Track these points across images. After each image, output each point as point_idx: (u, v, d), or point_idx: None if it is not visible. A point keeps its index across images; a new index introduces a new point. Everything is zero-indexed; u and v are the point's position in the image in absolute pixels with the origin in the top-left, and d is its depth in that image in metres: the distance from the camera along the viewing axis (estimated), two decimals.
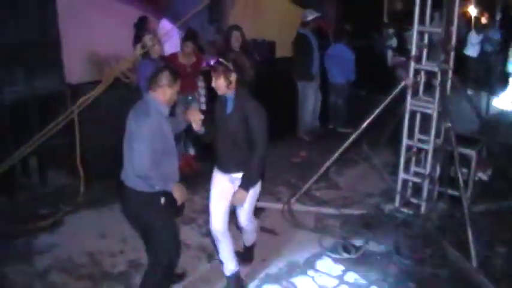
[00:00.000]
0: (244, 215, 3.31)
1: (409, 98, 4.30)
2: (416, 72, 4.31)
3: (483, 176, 4.68)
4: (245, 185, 3.07)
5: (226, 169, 3.19)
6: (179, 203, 3.00)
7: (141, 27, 5.89)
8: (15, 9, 4.55)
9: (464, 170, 4.36)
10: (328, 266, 3.74)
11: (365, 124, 4.43)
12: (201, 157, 5.44)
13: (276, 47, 7.06)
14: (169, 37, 5.75)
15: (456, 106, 4.60)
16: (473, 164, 4.46)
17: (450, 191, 4.22)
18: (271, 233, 4.18)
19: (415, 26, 4.13)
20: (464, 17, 9.75)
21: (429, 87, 4.39)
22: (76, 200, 4.36)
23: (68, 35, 5.01)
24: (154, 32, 5.59)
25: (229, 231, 3.31)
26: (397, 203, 4.47)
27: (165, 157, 2.90)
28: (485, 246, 3.86)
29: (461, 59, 8.59)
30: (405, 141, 4.41)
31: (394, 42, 9.27)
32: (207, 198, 3.38)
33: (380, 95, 4.55)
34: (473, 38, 9.33)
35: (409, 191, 4.56)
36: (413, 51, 4.20)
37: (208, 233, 3.53)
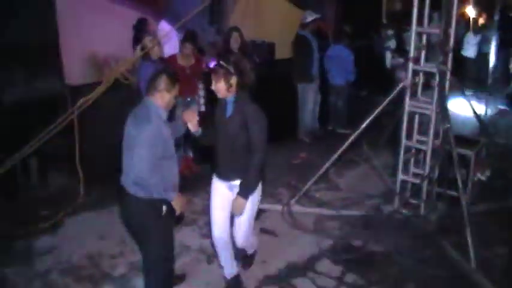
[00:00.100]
0: (242, 231, 3.21)
1: (407, 99, 4.31)
2: (415, 73, 4.32)
3: (481, 176, 4.69)
4: (243, 192, 3.01)
5: (226, 176, 3.13)
6: (177, 213, 2.99)
7: (140, 29, 5.90)
8: (15, 10, 4.55)
9: (463, 171, 4.37)
10: (328, 267, 3.74)
11: (364, 125, 4.44)
12: (199, 160, 5.43)
13: (275, 48, 7.04)
14: (168, 38, 5.75)
15: None
16: (472, 165, 4.47)
17: (449, 192, 4.23)
18: (271, 235, 4.19)
19: (413, 27, 4.14)
20: (463, 17, 9.76)
21: (428, 88, 4.40)
22: (76, 202, 4.36)
23: (67, 36, 5.02)
24: (154, 33, 5.59)
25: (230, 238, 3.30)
26: (396, 204, 4.48)
27: (165, 161, 2.85)
28: (484, 246, 3.87)
29: (460, 60, 8.60)
30: (404, 142, 4.43)
31: (392, 43, 9.26)
32: (207, 199, 3.38)
33: (380, 95, 4.56)
34: (471, 39, 9.35)
35: (408, 192, 4.56)
36: (412, 53, 4.22)
37: (209, 234, 3.53)
